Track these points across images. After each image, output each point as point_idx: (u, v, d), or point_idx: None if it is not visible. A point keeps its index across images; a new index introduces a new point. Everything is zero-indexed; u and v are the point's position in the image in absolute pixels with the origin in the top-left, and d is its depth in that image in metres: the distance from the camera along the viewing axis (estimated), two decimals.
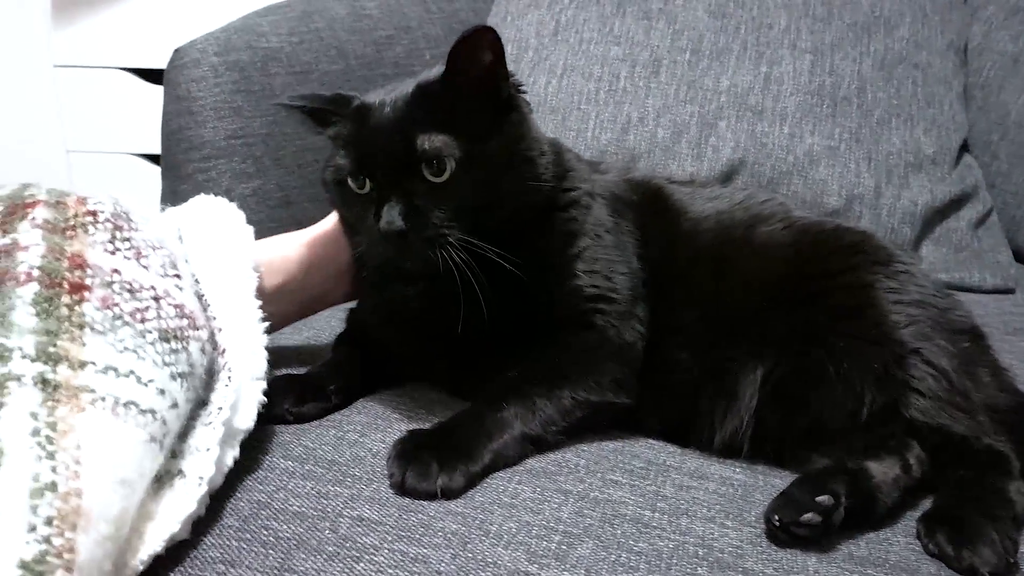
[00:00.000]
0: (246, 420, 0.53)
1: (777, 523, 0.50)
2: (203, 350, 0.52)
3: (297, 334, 0.76)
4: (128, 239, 0.50)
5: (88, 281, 0.46)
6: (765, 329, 0.62)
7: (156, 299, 0.49)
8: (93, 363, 0.44)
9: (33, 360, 0.42)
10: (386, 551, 0.46)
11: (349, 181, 0.60)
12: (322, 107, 0.63)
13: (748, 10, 1.10)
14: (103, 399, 0.43)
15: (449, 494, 0.51)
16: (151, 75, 1.42)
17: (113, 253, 0.49)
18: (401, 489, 0.51)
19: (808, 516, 0.50)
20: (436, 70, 0.61)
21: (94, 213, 0.50)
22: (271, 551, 0.45)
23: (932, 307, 0.63)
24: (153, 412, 0.45)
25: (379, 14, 1.20)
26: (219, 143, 0.99)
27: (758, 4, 1.10)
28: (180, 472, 0.48)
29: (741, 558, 0.48)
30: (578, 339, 0.62)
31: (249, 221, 1.00)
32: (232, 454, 0.51)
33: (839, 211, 0.99)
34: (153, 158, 1.45)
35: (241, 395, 0.53)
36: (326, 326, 0.77)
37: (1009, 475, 0.54)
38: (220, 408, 0.51)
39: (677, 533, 0.50)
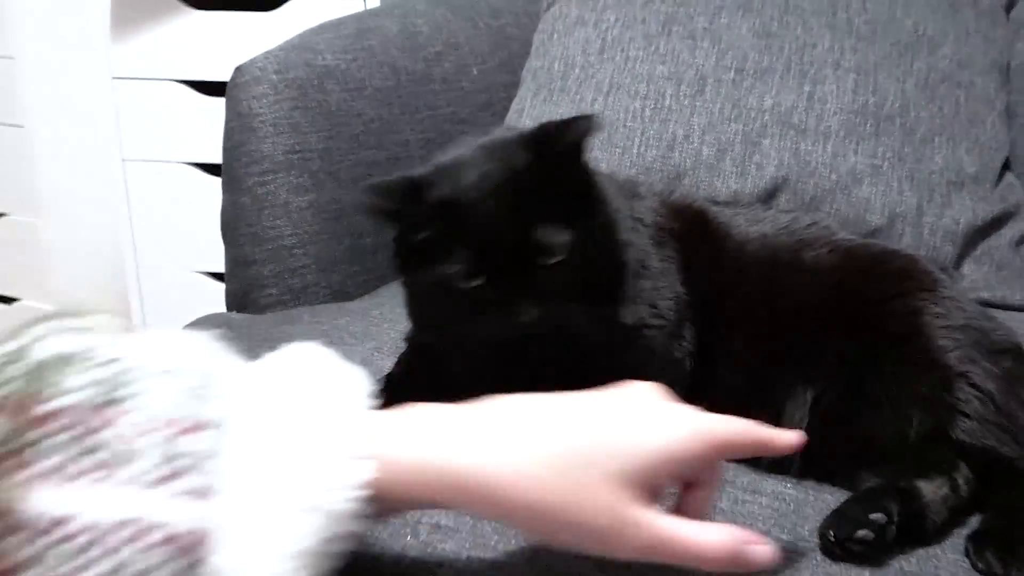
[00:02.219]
0: None
1: (832, 539, 0.53)
2: None
3: (360, 345, 0.79)
4: (101, 446, 0.34)
5: (16, 556, 0.32)
6: (814, 353, 0.64)
7: (134, 537, 0.33)
8: None
9: None
10: (464, 556, 0.49)
11: (458, 283, 0.58)
12: (395, 207, 0.61)
13: (792, 30, 1.12)
14: None
15: None
16: (205, 87, 1.47)
17: (71, 481, 0.33)
18: None
19: (863, 533, 0.52)
20: (509, 147, 0.61)
21: (47, 419, 0.34)
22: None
23: (976, 330, 0.65)
24: None
25: (428, 31, 1.23)
26: (278, 157, 1.03)
27: (802, 24, 1.12)
28: None
29: (797, 570, 0.51)
30: (627, 355, 0.65)
31: (304, 234, 1.07)
32: None
33: (881, 229, 1.01)
34: (206, 167, 1.50)
35: None
36: (387, 339, 0.80)
37: None
38: None
39: None
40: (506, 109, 1.23)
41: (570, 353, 0.60)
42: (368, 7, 1.40)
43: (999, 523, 0.55)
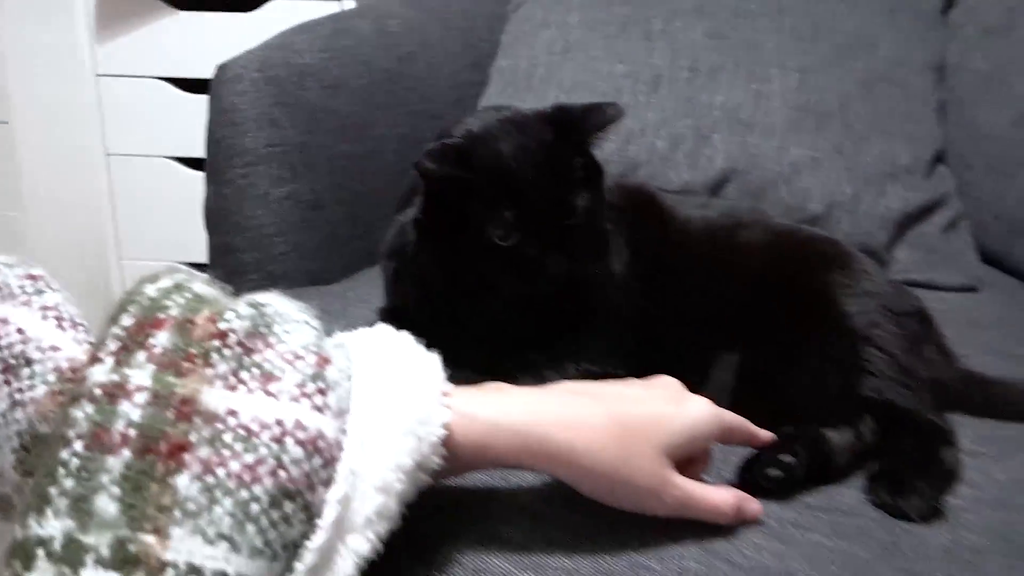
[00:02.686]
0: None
1: (749, 477, 0.61)
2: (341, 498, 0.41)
3: (335, 322, 0.86)
4: (258, 364, 0.41)
5: (192, 437, 0.38)
6: (740, 322, 0.72)
7: (279, 438, 0.39)
8: (174, 567, 0.36)
9: (107, 567, 0.35)
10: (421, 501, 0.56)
11: (497, 237, 0.65)
12: (463, 174, 0.66)
13: (741, 32, 1.20)
14: None
15: None
16: (187, 84, 1.52)
17: (234, 388, 0.40)
18: None
19: (774, 472, 0.60)
20: (533, 121, 0.69)
21: (224, 335, 0.41)
22: None
23: (882, 297, 0.73)
24: None
25: (402, 32, 1.30)
26: (259, 151, 1.09)
27: (751, 26, 1.20)
28: None
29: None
30: (578, 318, 0.72)
31: (283, 223, 1.13)
32: None
33: (820, 217, 1.09)
34: (187, 161, 1.55)
35: (337, 545, 0.42)
36: (361, 317, 0.87)
37: (944, 443, 0.64)
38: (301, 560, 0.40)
39: None
40: (475, 106, 1.30)
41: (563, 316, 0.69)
42: (344, 8, 1.46)
43: (894, 463, 0.63)
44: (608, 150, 1.14)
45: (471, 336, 0.73)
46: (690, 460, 0.54)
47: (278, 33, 1.19)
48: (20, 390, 0.43)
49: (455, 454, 0.47)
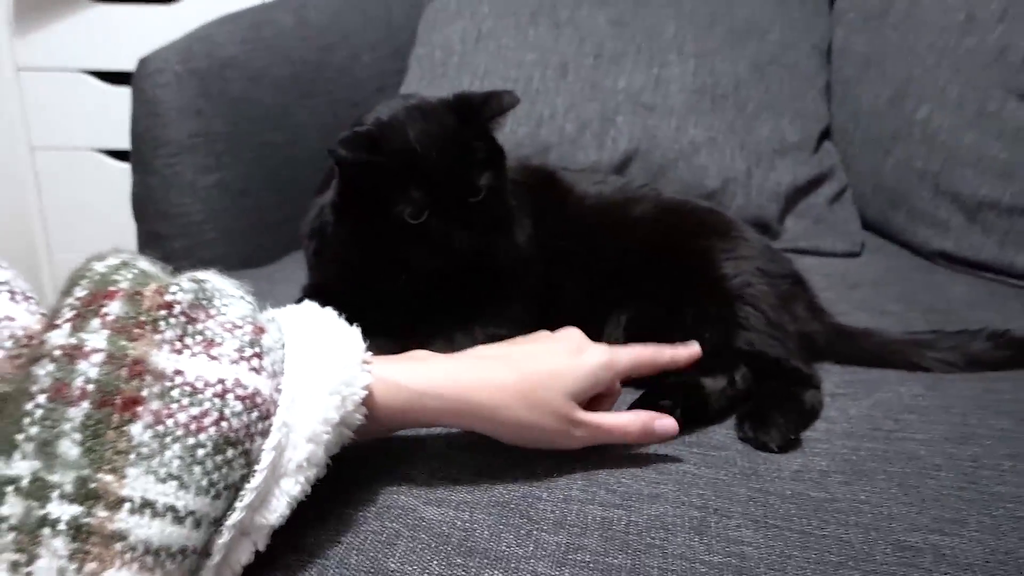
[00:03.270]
0: (271, 516, 0.47)
1: None
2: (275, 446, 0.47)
3: (261, 300, 0.91)
4: (201, 332, 0.46)
5: (144, 392, 0.43)
6: (629, 285, 0.80)
7: (221, 395, 0.45)
8: (130, 501, 0.41)
9: (71, 500, 0.40)
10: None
11: (407, 216, 0.72)
12: (377, 160, 0.72)
13: (642, 19, 1.28)
14: (133, 549, 0.40)
15: None
16: (110, 77, 1.54)
17: (180, 352, 0.45)
18: None
19: None
20: (437, 107, 0.75)
21: (169, 305, 0.46)
22: None
23: (756, 259, 0.82)
24: (184, 551, 0.43)
25: (322, 22, 1.35)
26: (183, 141, 1.13)
27: (651, 14, 1.28)
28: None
29: (597, 447, 0.66)
30: (484, 287, 0.79)
31: (211, 210, 1.17)
32: (247, 550, 0.47)
33: (717, 192, 1.18)
34: (113, 153, 1.57)
35: (271, 487, 0.48)
36: (283, 294, 0.92)
37: (806, 386, 0.74)
38: (241, 500, 0.46)
39: None
40: (397, 93, 1.35)
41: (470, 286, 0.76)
42: (265, 1, 1.49)
43: (759, 405, 0.71)
44: (521, 134, 1.22)
45: (387, 307, 0.80)
46: (598, 397, 0.63)
47: (200, 25, 1.22)
48: None
49: (376, 416, 0.54)
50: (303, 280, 0.97)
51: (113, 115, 1.49)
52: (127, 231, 1.16)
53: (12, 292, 0.50)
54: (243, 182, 1.18)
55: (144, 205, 1.13)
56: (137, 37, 1.45)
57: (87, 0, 1.50)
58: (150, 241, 1.14)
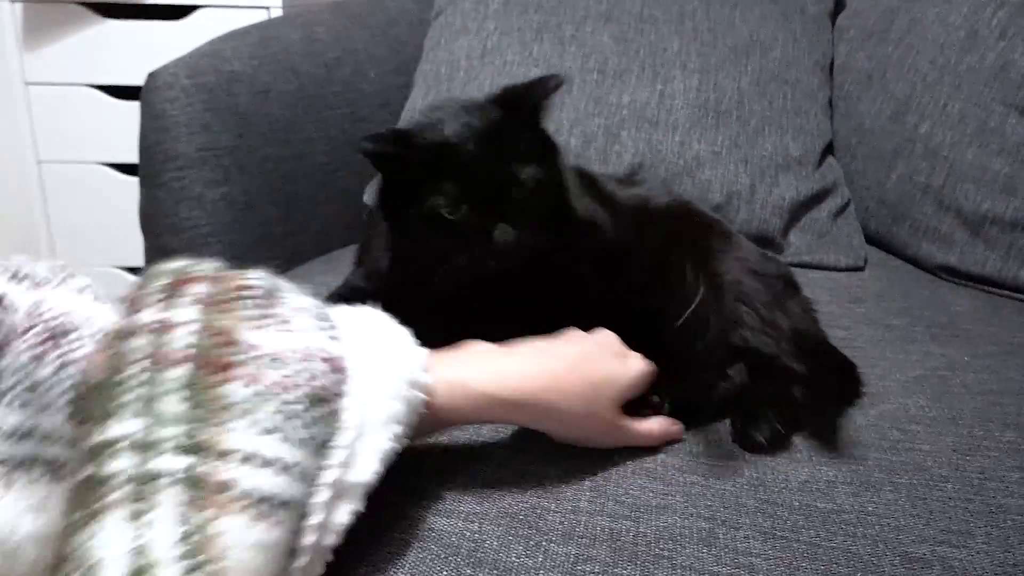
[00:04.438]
0: (363, 473, 0.49)
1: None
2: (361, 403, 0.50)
3: None
4: (275, 314, 0.49)
5: (235, 358, 0.45)
6: (637, 289, 0.80)
7: (305, 359, 0.48)
8: (237, 451, 0.43)
9: (183, 452, 0.42)
10: None
11: (443, 212, 0.69)
12: (394, 151, 0.71)
13: (646, 36, 1.29)
14: (246, 496, 0.42)
15: None
16: (117, 91, 1.55)
17: (260, 328, 0.48)
18: None
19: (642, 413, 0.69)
20: (488, 104, 0.73)
21: (249, 287, 0.50)
22: None
23: (753, 262, 0.83)
24: (289, 503, 0.44)
25: (328, 38, 1.36)
26: (191, 155, 1.14)
27: (655, 31, 1.30)
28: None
29: (610, 454, 0.66)
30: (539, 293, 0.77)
31: (217, 223, 1.18)
32: (346, 509, 0.48)
33: (721, 206, 1.19)
34: (120, 167, 1.58)
35: (359, 446, 0.49)
36: None
37: (797, 383, 0.73)
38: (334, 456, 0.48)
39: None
40: (402, 108, 1.36)
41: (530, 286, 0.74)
42: (272, 16, 1.50)
43: (751, 402, 0.71)
44: None
45: (434, 312, 0.79)
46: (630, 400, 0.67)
47: (207, 41, 1.23)
48: (67, 352, 0.47)
49: (439, 416, 0.56)
50: (310, 294, 0.98)
51: (120, 129, 1.50)
52: (133, 245, 1.17)
53: (95, 295, 0.52)
54: (249, 196, 1.19)
55: (152, 219, 1.14)
56: (145, 52, 1.47)
57: (95, 16, 1.52)
58: (157, 254, 1.15)
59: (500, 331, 0.73)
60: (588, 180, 0.90)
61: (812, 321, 0.86)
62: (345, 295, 0.85)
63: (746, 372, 0.74)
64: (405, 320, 0.60)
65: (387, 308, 0.63)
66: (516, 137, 0.71)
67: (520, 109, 0.73)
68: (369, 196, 1.30)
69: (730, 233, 0.87)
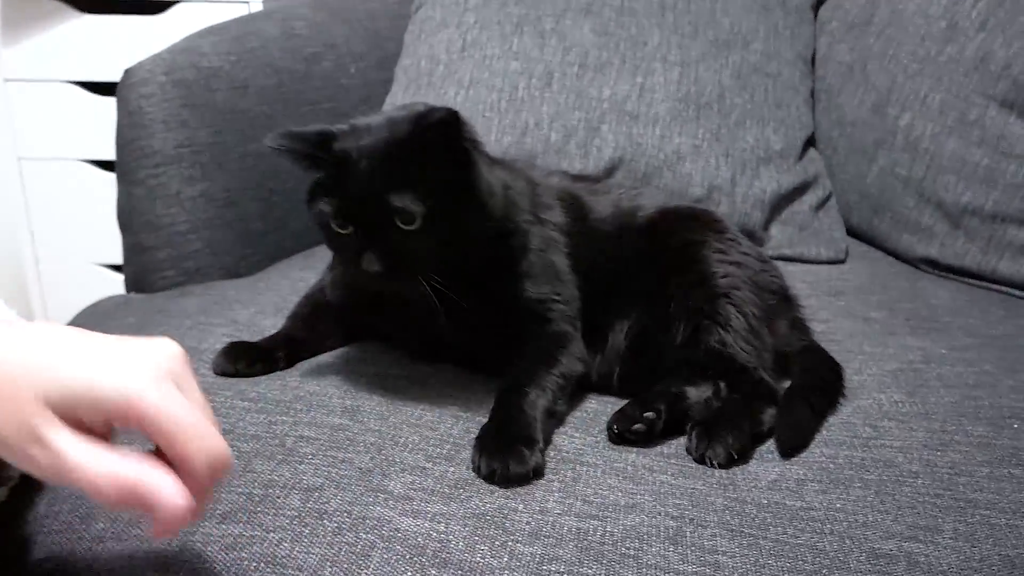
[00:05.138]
0: None
1: (615, 431, 0.69)
2: None
3: (244, 309, 0.91)
4: None
5: None
6: (630, 292, 0.80)
7: None
8: None
9: None
10: (321, 456, 0.63)
11: (332, 224, 0.69)
12: (307, 151, 0.70)
13: (627, 29, 1.28)
14: None
15: (539, 471, 0.62)
16: (96, 87, 1.54)
17: None
18: (504, 479, 0.60)
19: (637, 426, 0.68)
20: (402, 124, 0.69)
21: None
22: (237, 460, 0.62)
23: (748, 267, 0.82)
24: None
25: (307, 33, 1.35)
26: (168, 152, 1.13)
27: (635, 24, 1.29)
28: None
29: (582, 455, 0.66)
30: (544, 332, 0.76)
31: (196, 220, 1.17)
32: None
33: (701, 199, 1.19)
34: (100, 163, 1.57)
35: None
36: (268, 303, 0.93)
37: (770, 403, 0.73)
38: None
39: None
40: (383, 103, 1.35)
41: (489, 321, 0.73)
42: (251, 11, 1.49)
43: (715, 417, 0.70)
44: (506, 143, 1.23)
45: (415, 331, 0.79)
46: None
47: (185, 36, 1.22)
48: None
49: None
50: (287, 286, 0.98)
51: (100, 125, 1.49)
52: (114, 241, 1.16)
53: None
54: (228, 192, 1.18)
55: (129, 216, 1.13)
56: (123, 48, 1.46)
57: (74, 11, 1.51)
58: (135, 252, 1.14)
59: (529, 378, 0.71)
60: (574, 204, 0.87)
61: (803, 338, 0.85)
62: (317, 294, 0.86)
63: (715, 383, 0.73)
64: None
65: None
66: (419, 164, 0.67)
67: (425, 131, 0.68)
68: None
69: (734, 239, 0.85)
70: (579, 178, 0.98)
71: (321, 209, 0.69)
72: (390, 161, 0.68)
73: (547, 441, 0.66)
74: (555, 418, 0.70)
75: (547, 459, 0.65)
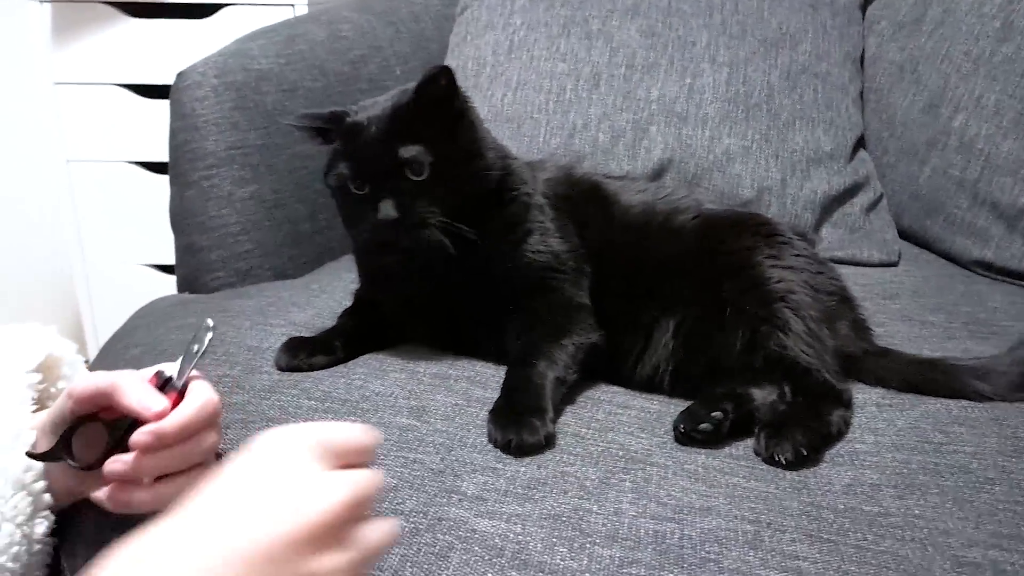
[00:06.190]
0: None
1: (682, 430, 0.68)
2: None
3: (302, 312, 0.92)
4: None
5: None
6: (675, 292, 0.80)
7: None
8: None
9: None
10: (392, 456, 0.63)
11: (350, 186, 0.76)
12: (321, 125, 0.80)
13: (675, 30, 1.28)
14: None
15: (550, 440, 0.66)
16: (145, 90, 1.56)
17: None
18: (519, 448, 0.64)
19: (703, 426, 0.68)
20: (407, 92, 0.78)
21: None
22: None
23: (804, 271, 0.81)
24: None
25: (353, 35, 1.36)
26: (220, 154, 1.14)
27: (683, 24, 1.28)
28: None
29: (650, 455, 0.66)
30: (548, 299, 0.79)
31: (247, 221, 1.18)
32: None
33: (751, 201, 1.18)
34: (148, 165, 1.59)
35: None
36: (325, 306, 0.93)
37: (836, 404, 0.72)
38: None
39: (603, 442, 0.67)
40: None
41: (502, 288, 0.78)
42: (297, 14, 1.50)
43: (783, 418, 0.70)
44: (554, 144, 1.23)
45: (432, 311, 0.82)
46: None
47: (234, 40, 1.23)
48: None
49: None
50: (340, 289, 0.98)
51: (148, 128, 1.51)
52: (161, 242, 1.17)
53: None
54: (277, 194, 1.19)
55: (182, 217, 1.14)
56: (171, 51, 1.47)
57: (122, 15, 1.52)
58: (188, 253, 1.15)
59: (539, 346, 0.74)
60: (590, 187, 0.90)
61: (864, 340, 0.84)
62: (357, 302, 0.90)
63: (779, 385, 0.73)
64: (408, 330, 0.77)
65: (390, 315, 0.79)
66: (421, 123, 0.76)
67: (426, 93, 0.76)
68: None
69: (777, 230, 0.85)
70: (609, 175, 0.99)
71: (339, 172, 0.76)
72: (397, 121, 0.76)
73: (557, 410, 0.71)
74: (565, 385, 0.73)
75: (615, 458, 0.64)
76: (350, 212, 0.79)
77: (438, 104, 0.77)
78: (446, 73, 0.76)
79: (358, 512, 0.42)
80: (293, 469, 0.42)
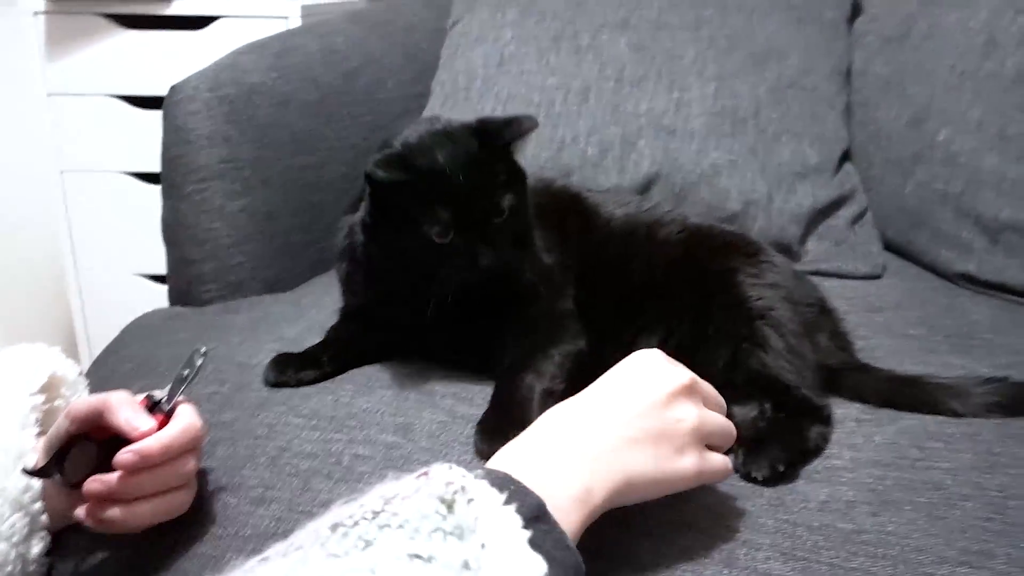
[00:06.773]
0: None
1: None
2: None
3: (292, 326, 0.93)
4: None
5: None
6: (657, 307, 0.81)
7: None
8: None
9: None
10: (378, 475, 0.64)
11: (434, 235, 0.73)
12: (410, 180, 0.74)
13: (663, 44, 1.29)
14: None
15: None
16: (139, 101, 1.57)
17: None
18: None
19: None
20: (466, 129, 0.78)
21: None
22: (295, 479, 0.63)
23: (783, 287, 0.83)
24: None
25: (347, 48, 1.37)
26: (213, 167, 1.15)
27: (671, 38, 1.30)
28: None
29: None
30: (534, 309, 0.81)
31: (239, 234, 1.19)
32: None
33: (738, 214, 1.19)
34: (142, 176, 1.60)
35: None
36: (315, 321, 0.94)
37: (815, 420, 0.73)
38: None
39: None
40: (420, 118, 1.37)
41: (498, 302, 0.79)
42: (290, 27, 1.51)
43: (761, 434, 0.71)
44: (543, 158, 1.24)
45: (423, 329, 0.82)
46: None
47: (228, 53, 1.24)
48: None
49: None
50: (330, 304, 0.99)
51: (141, 138, 1.52)
52: (154, 252, 1.18)
53: None
54: (270, 207, 1.20)
55: (174, 230, 1.15)
56: (165, 62, 1.49)
57: (116, 26, 1.54)
58: (179, 265, 1.16)
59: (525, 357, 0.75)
60: (569, 199, 0.92)
61: (844, 350, 0.85)
62: (346, 317, 0.90)
63: (760, 403, 0.74)
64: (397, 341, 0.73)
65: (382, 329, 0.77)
66: (495, 168, 0.76)
67: (495, 144, 0.76)
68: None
69: (759, 249, 0.87)
70: (590, 189, 1.01)
71: (428, 228, 0.73)
72: (479, 168, 0.75)
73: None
74: (553, 397, 0.72)
75: None
76: (429, 258, 0.75)
77: (504, 150, 0.78)
78: (533, 122, 0.77)
79: (694, 389, 0.60)
80: (651, 362, 0.61)
